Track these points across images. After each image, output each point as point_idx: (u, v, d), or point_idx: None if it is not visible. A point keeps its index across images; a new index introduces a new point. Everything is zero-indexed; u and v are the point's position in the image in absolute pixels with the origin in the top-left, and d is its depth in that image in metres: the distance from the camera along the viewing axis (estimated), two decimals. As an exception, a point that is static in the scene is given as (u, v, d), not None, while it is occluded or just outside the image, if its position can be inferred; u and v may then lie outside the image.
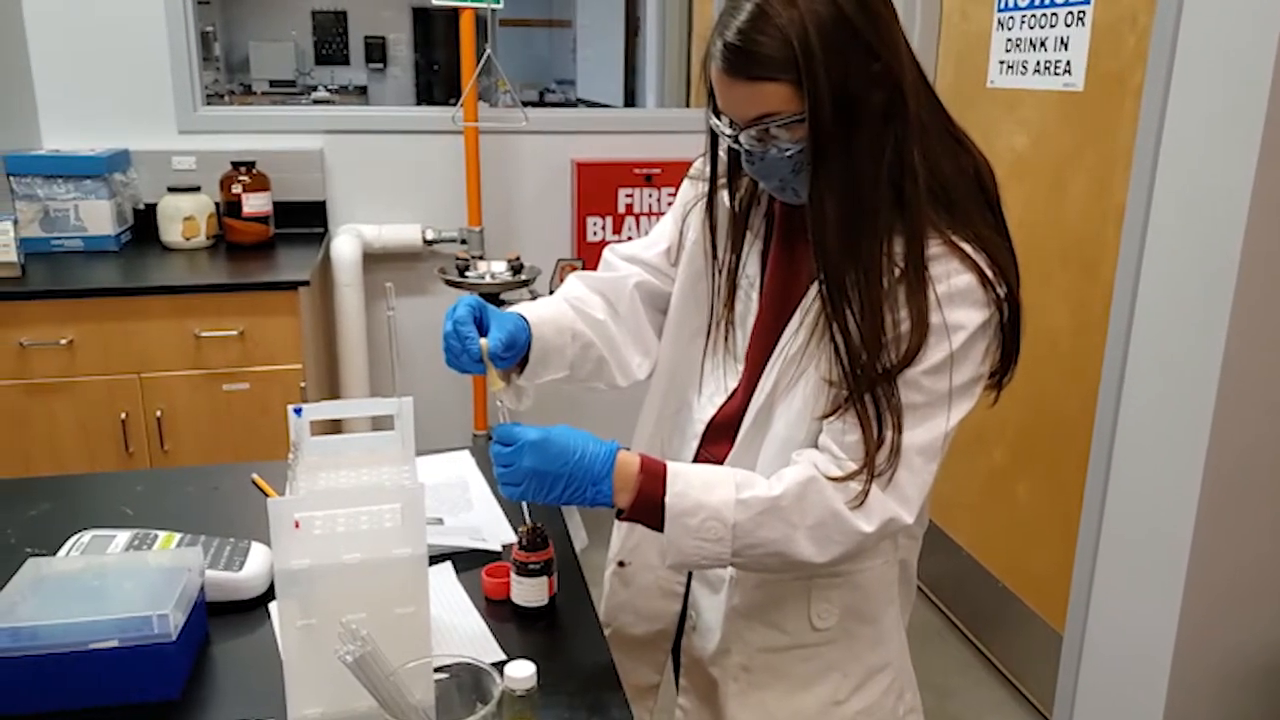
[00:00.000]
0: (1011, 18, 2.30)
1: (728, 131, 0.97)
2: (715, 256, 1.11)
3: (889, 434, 0.94)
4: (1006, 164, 2.32)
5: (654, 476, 0.97)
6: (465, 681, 0.83)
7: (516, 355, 1.09)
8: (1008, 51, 2.32)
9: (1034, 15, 2.21)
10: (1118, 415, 1.91)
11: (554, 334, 1.14)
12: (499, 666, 0.85)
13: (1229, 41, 1.63)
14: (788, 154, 0.94)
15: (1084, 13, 2.05)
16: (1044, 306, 2.21)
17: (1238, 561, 1.79)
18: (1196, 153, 1.71)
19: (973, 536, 2.60)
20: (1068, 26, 2.10)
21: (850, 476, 0.95)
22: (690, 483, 0.96)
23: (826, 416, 0.98)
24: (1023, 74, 2.27)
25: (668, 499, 0.95)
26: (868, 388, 0.94)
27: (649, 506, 0.96)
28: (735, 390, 1.11)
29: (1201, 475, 1.72)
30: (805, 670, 1.12)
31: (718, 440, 1.11)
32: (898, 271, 0.94)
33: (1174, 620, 1.79)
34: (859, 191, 0.93)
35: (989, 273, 0.95)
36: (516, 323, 1.09)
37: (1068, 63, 2.11)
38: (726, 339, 1.12)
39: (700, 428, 1.13)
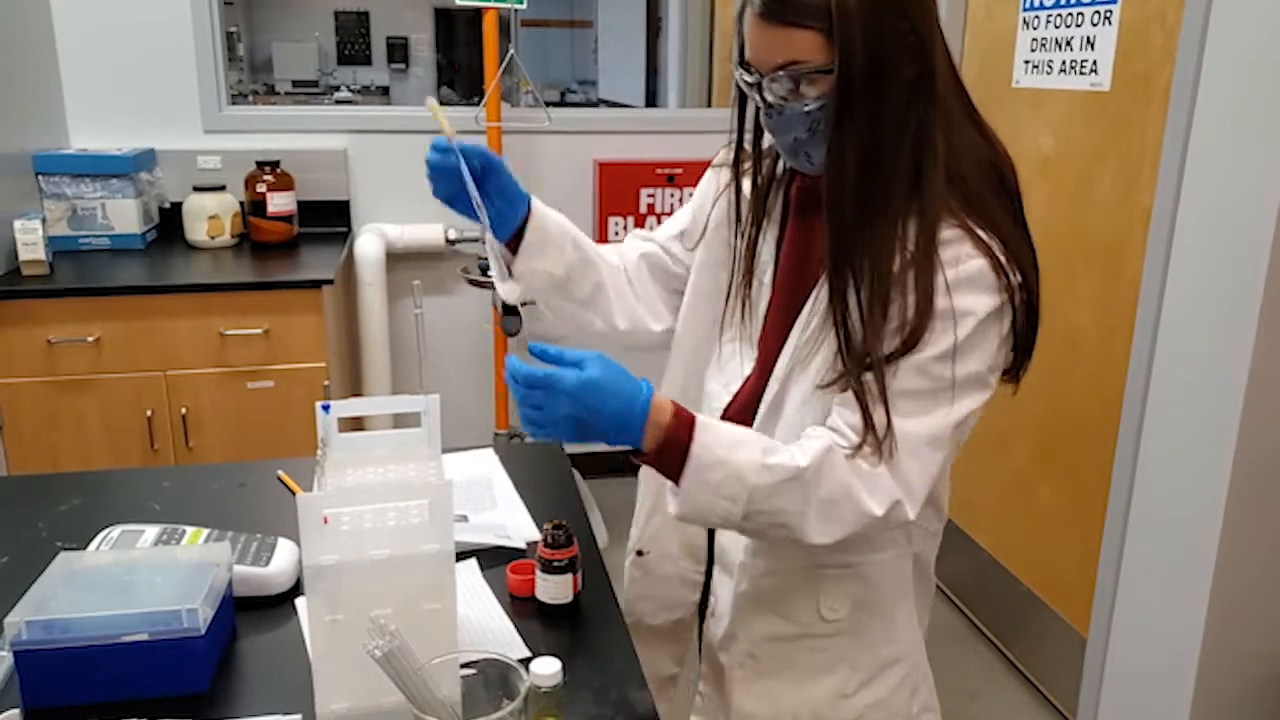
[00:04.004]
0: (1037, 17, 2.28)
1: (749, 79, 0.96)
2: (738, 221, 1.11)
3: (881, 416, 0.92)
4: (1032, 164, 2.31)
5: (683, 425, 0.94)
6: (492, 678, 0.83)
7: (513, 214, 1.12)
8: (1033, 51, 2.31)
9: (1060, 15, 2.20)
10: (1143, 416, 1.90)
11: (556, 229, 1.15)
12: (524, 663, 0.85)
13: (1258, 41, 1.61)
14: (806, 109, 0.93)
15: (1111, 12, 2.03)
16: (1068, 307, 2.20)
17: (1265, 565, 1.77)
18: (1225, 153, 1.69)
19: (995, 538, 2.58)
20: (1094, 26, 2.08)
21: (857, 450, 0.93)
22: (718, 437, 0.94)
23: (828, 386, 0.97)
24: (1048, 74, 2.25)
25: (694, 448, 0.93)
26: (865, 368, 0.93)
27: (673, 453, 0.94)
28: (750, 377, 1.10)
29: (1229, 477, 1.70)
30: (814, 661, 1.11)
31: (728, 418, 1.10)
32: (909, 254, 0.93)
33: (1200, 624, 1.78)
34: (878, 160, 0.92)
35: (1003, 259, 0.93)
36: (519, 191, 1.12)
37: (1094, 62, 2.09)
38: (741, 321, 1.11)
39: (716, 416, 1.12)
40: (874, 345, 0.93)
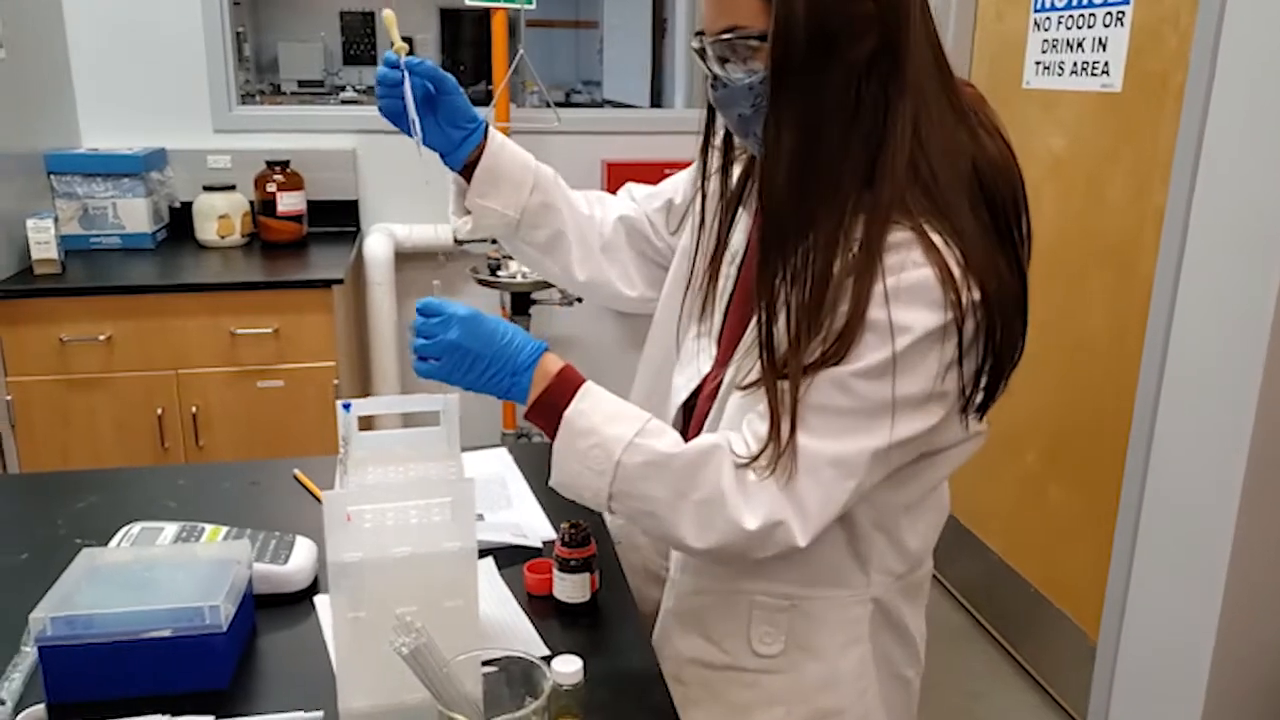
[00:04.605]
0: (1048, 18, 2.29)
1: (695, 46, 0.91)
2: (702, 220, 1.06)
3: (785, 429, 0.85)
4: (1043, 165, 2.31)
5: (567, 384, 0.93)
6: (515, 675, 0.83)
7: (467, 143, 1.09)
8: (1044, 52, 2.31)
9: (1071, 16, 2.20)
10: (1155, 417, 1.90)
11: (515, 168, 1.12)
12: (544, 661, 0.86)
13: (1272, 43, 1.61)
14: (749, 83, 0.87)
15: (1123, 13, 2.03)
16: (1078, 308, 2.20)
17: (1279, 567, 1.76)
18: (1238, 154, 1.69)
19: (1004, 539, 2.58)
20: (1106, 27, 2.08)
21: (753, 460, 0.87)
22: (597, 406, 0.92)
23: (747, 388, 0.91)
24: (1059, 75, 2.25)
25: (568, 412, 0.91)
26: (780, 374, 0.86)
27: (550, 411, 0.92)
28: (708, 374, 1.03)
29: (1242, 479, 1.70)
30: (745, 697, 1.03)
31: (698, 425, 1.04)
32: (852, 255, 0.84)
33: (1212, 627, 1.77)
34: (819, 143, 0.84)
35: (955, 271, 0.82)
36: (473, 116, 1.10)
37: (1105, 63, 2.09)
38: (701, 319, 1.06)
39: (673, 412, 1.07)
40: (795, 351, 0.85)
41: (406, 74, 1.04)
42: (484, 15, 2.82)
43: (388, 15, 1.10)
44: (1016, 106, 2.40)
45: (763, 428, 0.87)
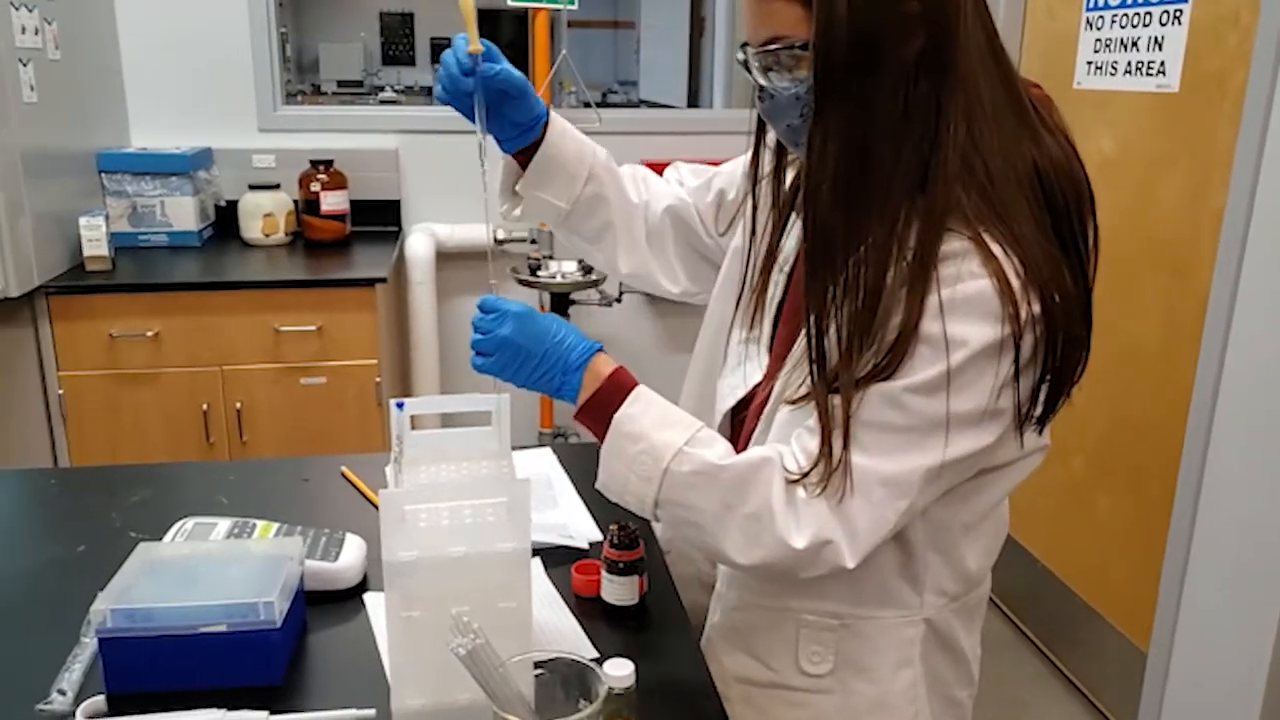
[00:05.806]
0: (1101, 17, 2.24)
1: (739, 58, 0.89)
2: (754, 231, 1.03)
3: (838, 446, 0.82)
4: (1094, 167, 2.23)
5: (619, 387, 0.92)
6: (569, 678, 0.82)
7: (529, 134, 1.06)
8: (1096, 52, 2.27)
9: (1126, 15, 2.15)
10: (1212, 423, 1.85)
11: (572, 159, 1.10)
12: (595, 663, 0.85)
13: (1342, 40, 1.57)
14: (793, 93, 0.85)
15: (1181, 12, 1.98)
16: (1130, 312, 2.15)
17: (1339, 581, 1.72)
18: (1303, 156, 1.64)
19: (1049, 547, 2.53)
20: (1163, 26, 2.04)
21: (803, 477, 0.85)
22: (648, 410, 0.91)
23: (797, 402, 0.88)
24: (1112, 75, 2.21)
25: (617, 415, 0.90)
26: (834, 389, 0.83)
27: (600, 413, 0.92)
28: (759, 382, 1.00)
29: (1303, 491, 1.66)
30: (793, 716, 1.01)
31: (746, 437, 1.01)
32: (905, 265, 0.81)
33: (1269, 638, 1.73)
34: (867, 151, 0.81)
35: (1014, 282, 0.79)
36: (538, 113, 1.06)
37: (1161, 63, 2.04)
38: (753, 325, 1.03)
39: (719, 419, 1.05)
40: (846, 364, 0.82)
41: (480, 83, 1.01)
42: (522, 15, 2.82)
43: (466, 5, 1.03)
44: (1067, 107, 2.32)
45: (813, 443, 0.85)
